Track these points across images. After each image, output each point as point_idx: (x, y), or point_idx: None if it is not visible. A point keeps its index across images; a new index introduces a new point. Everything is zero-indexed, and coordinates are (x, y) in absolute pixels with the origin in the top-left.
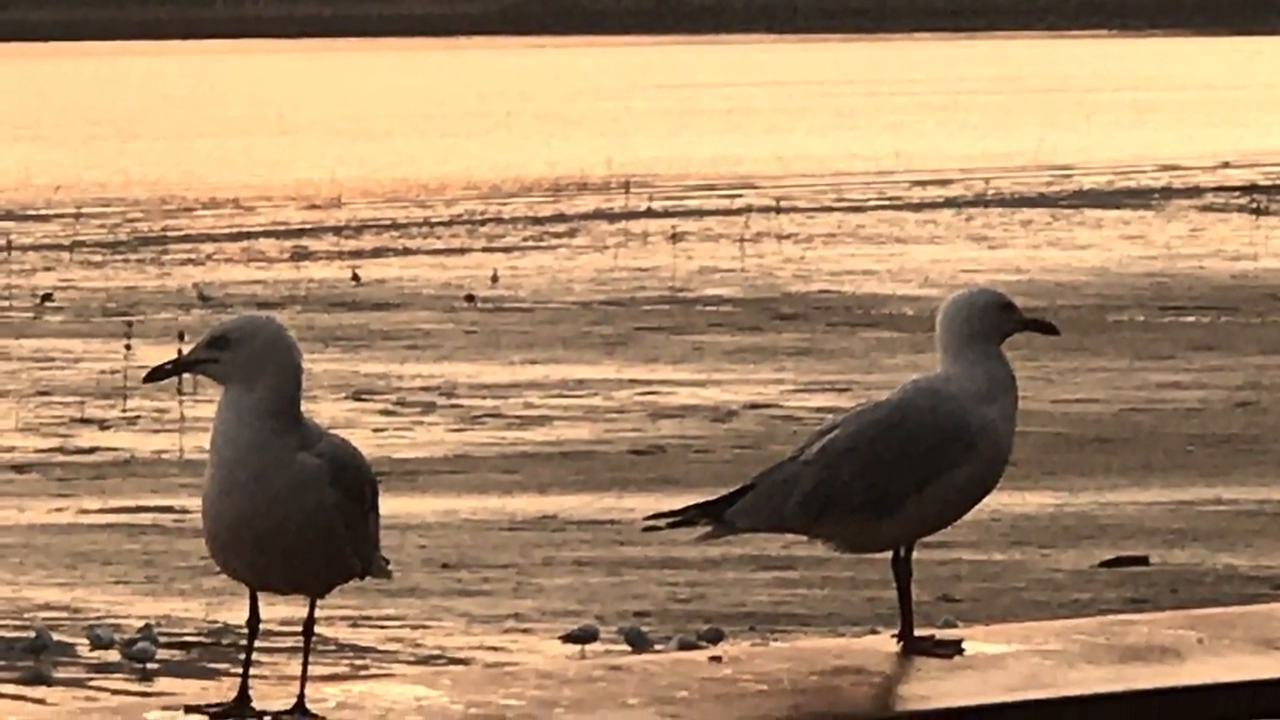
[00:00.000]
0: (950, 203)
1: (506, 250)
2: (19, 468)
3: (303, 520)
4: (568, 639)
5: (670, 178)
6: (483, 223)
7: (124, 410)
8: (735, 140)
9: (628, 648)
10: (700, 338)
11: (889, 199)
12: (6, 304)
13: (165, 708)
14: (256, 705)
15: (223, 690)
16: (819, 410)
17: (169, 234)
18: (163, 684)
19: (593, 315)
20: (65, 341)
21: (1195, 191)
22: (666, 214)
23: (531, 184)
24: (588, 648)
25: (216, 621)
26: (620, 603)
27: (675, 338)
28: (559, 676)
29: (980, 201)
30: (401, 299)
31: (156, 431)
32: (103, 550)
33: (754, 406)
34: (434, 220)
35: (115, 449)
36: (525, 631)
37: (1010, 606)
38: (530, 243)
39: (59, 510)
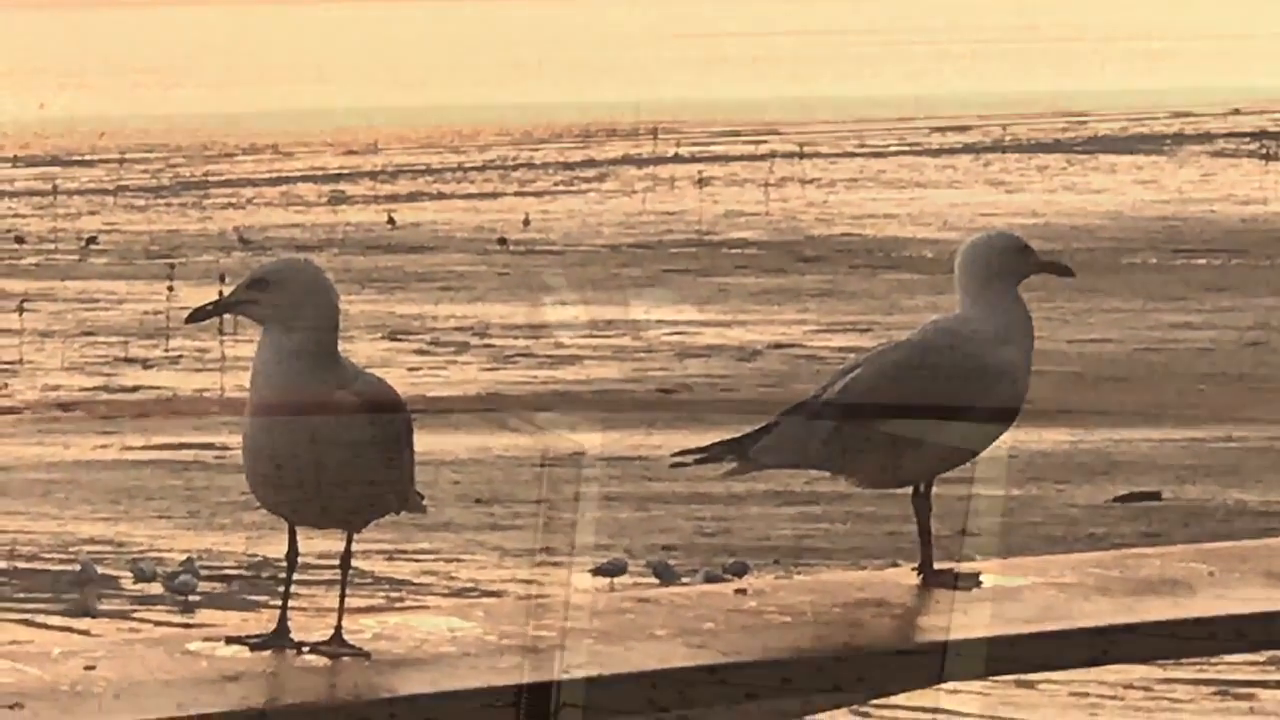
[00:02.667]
0: (969, 148)
1: (538, 195)
2: (65, 405)
3: (339, 456)
4: (597, 572)
5: (697, 124)
6: (514, 168)
7: (166, 350)
8: (760, 87)
9: (655, 580)
10: (726, 279)
11: (909, 145)
12: (53, 247)
13: (206, 639)
14: (295, 636)
15: (262, 622)
16: (841, 350)
17: (210, 179)
18: (204, 616)
19: (621, 258)
20: (109, 283)
21: (1206, 137)
22: (693, 159)
23: (562, 130)
24: (616, 580)
25: (256, 555)
26: (648, 537)
27: (701, 279)
28: (589, 609)
29: (998, 147)
30: (436, 242)
31: (198, 370)
32: (145, 486)
33: (778, 346)
34: (467, 165)
35: (158, 387)
36: (556, 565)
37: (1026, 541)
38: (561, 187)
39: (103, 447)
